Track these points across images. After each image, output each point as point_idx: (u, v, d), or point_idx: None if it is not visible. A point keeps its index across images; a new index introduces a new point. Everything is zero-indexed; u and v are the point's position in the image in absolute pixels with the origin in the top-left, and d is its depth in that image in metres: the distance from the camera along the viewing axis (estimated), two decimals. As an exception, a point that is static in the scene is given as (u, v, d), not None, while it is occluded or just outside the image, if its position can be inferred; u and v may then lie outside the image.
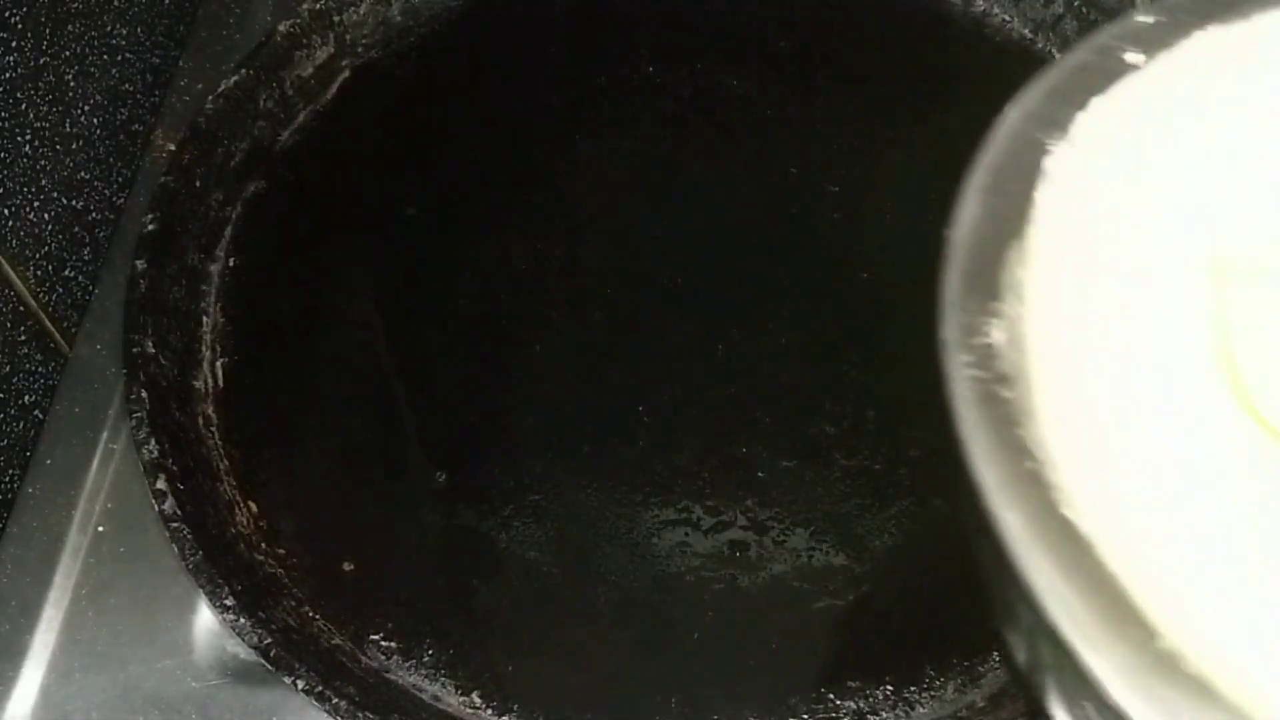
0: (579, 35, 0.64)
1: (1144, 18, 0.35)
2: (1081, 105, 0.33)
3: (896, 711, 0.44)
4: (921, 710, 0.45)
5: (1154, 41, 0.35)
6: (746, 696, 0.45)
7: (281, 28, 0.60)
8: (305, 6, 0.60)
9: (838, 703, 0.45)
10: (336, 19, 0.62)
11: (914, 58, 0.62)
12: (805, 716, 0.44)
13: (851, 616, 0.46)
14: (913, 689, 0.45)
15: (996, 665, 0.45)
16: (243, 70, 0.58)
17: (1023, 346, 0.29)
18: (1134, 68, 0.34)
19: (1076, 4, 0.59)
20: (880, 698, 0.45)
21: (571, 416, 0.52)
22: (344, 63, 0.62)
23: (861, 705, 0.45)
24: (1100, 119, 0.33)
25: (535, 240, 0.57)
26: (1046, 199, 0.31)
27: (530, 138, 0.60)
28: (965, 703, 0.44)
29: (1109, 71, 0.34)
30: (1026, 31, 0.61)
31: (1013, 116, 0.33)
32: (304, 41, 0.61)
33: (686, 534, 0.49)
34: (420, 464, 0.51)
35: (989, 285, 0.30)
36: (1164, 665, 0.24)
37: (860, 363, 0.53)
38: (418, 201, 0.58)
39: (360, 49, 0.63)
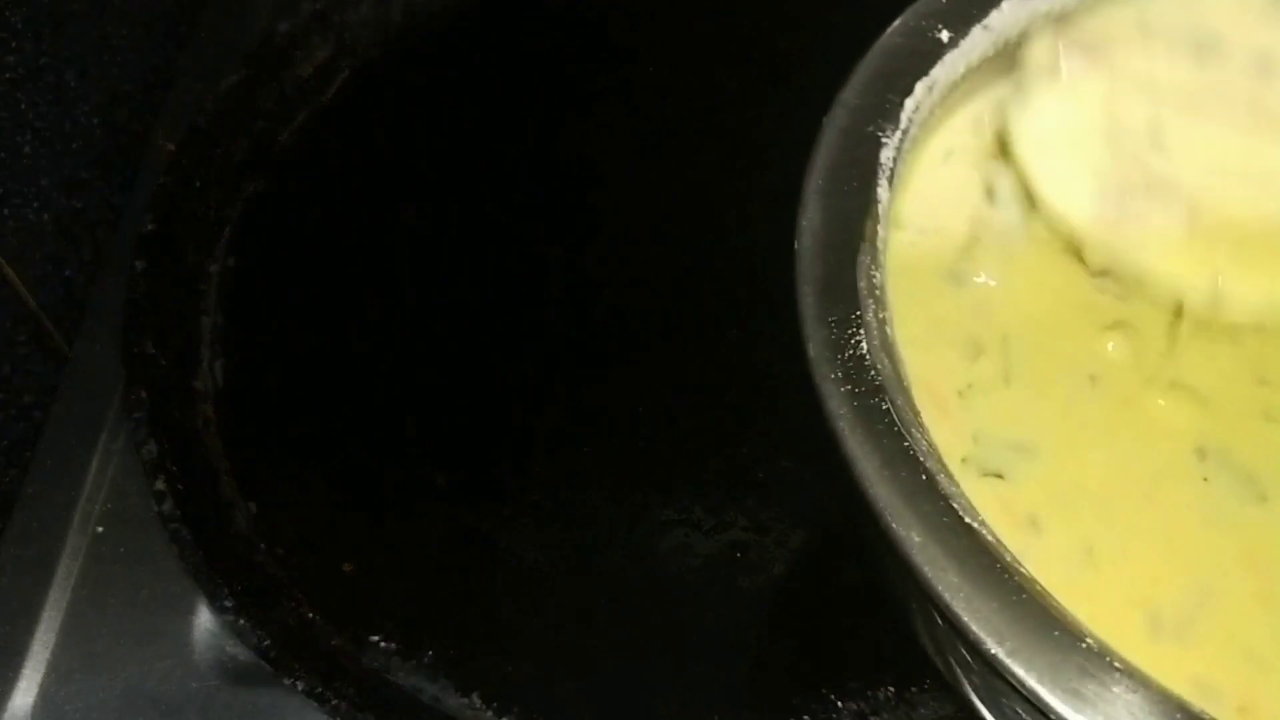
0: (579, 35, 0.64)
1: None
2: (908, 91, 0.32)
3: (898, 712, 0.44)
4: (922, 710, 0.44)
5: (961, 17, 0.34)
6: (747, 697, 0.45)
7: (281, 28, 0.60)
8: (305, 6, 0.61)
9: (838, 703, 0.45)
10: (336, 19, 0.62)
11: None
12: (806, 717, 0.44)
13: (852, 617, 0.46)
14: (913, 689, 0.45)
15: (997, 665, 0.45)
16: (243, 70, 0.58)
17: (893, 352, 0.28)
18: (948, 45, 0.33)
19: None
20: (881, 698, 0.45)
21: (571, 416, 0.52)
22: (344, 63, 0.62)
23: (862, 705, 0.45)
24: (924, 102, 0.32)
25: (535, 240, 0.57)
26: (888, 194, 0.30)
27: (530, 138, 0.60)
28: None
29: (925, 53, 0.33)
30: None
31: (840, 113, 0.32)
32: (304, 41, 0.61)
33: (687, 534, 0.49)
34: (420, 464, 0.51)
35: (847, 294, 0.28)
36: (1090, 664, 0.24)
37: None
38: (417, 201, 0.58)
39: (360, 49, 0.63)
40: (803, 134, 0.59)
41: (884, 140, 0.31)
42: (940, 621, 0.25)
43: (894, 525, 0.25)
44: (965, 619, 0.24)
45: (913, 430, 0.26)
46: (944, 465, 0.26)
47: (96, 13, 0.57)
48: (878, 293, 0.28)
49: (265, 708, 0.45)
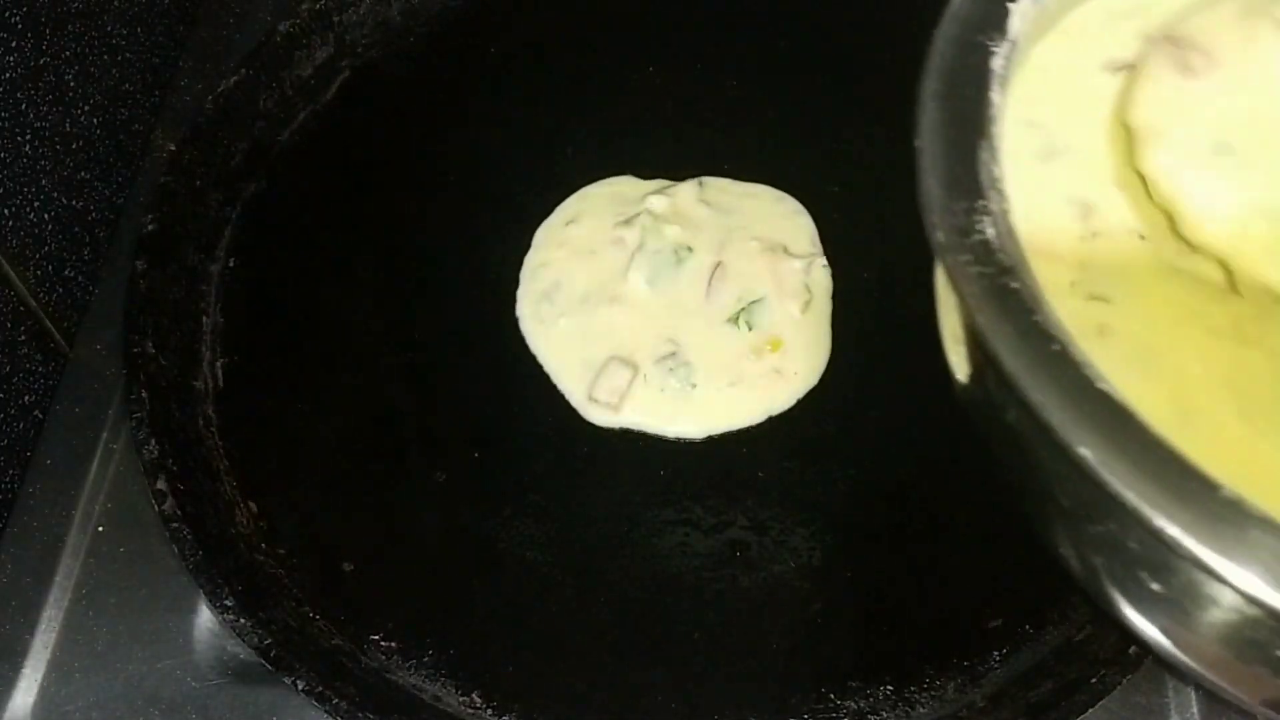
0: (579, 35, 0.64)
1: None
2: None
3: (897, 711, 0.44)
4: (922, 710, 0.45)
5: None
6: (747, 696, 0.45)
7: (281, 28, 0.60)
8: (305, 6, 0.60)
9: (838, 702, 0.45)
10: (336, 19, 0.62)
11: (914, 58, 0.62)
12: (806, 716, 0.44)
13: (851, 616, 0.46)
14: (913, 689, 0.45)
15: (996, 665, 0.45)
16: (243, 70, 0.58)
17: (1015, 237, 0.29)
18: None
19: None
20: (880, 697, 0.45)
21: (571, 416, 0.52)
22: (344, 63, 0.62)
23: (862, 705, 0.45)
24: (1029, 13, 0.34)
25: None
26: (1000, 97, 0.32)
27: (530, 138, 0.60)
28: (965, 702, 0.44)
29: None
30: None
31: (951, 24, 0.34)
32: (304, 42, 0.61)
33: (687, 534, 0.49)
34: (420, 464, 0.51)
35: (970, 184, 0.30)
36: (1230, 513, 0.25)
37: (862, 363, 0.53)
38: (417, 201, 0.58)
39: (360, 49, 0.63)
40: (804, 134, 0.59)
41: (993, 50, 0.33)
42: (1080, 484, 0.27)
43: (1032, 393, 0.27)
44: (1104, 475, 0.26)
45: (1041, 305, 0.28)
46: (1072, 337, 0.28)
47: (96, 13, 0.57)
48: (997, 184, 0.30)
49: (265, 707, 0.45)
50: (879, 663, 0.45)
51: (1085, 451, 0.26)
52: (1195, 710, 0.45)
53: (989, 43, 0.33)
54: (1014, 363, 0.27)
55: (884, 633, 0.46)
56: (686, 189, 0.57)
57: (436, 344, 0.54)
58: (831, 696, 0.45)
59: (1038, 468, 0.31)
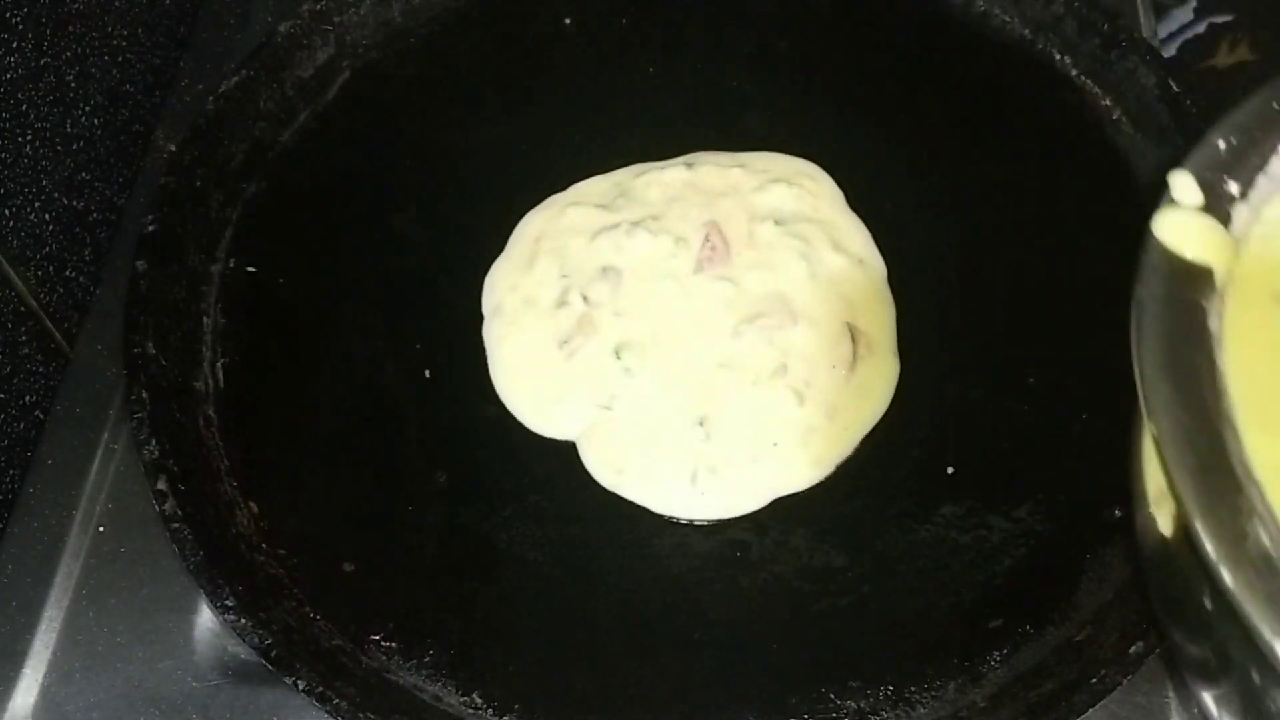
0: (579, 35, 0.64)
1: None
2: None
3: (897, 711, 0.44)
4: (922, 710, 0.44)
5: (1244, 166, 0.33)
6: (747, 696, 0.45)
7: (282, 28, 0.60)
8: (305, 7, 0.61)
9: (838, 702, 0.45)
10: (336, 19, 0.62)
11: (913, 58, 0.62)
12: (806, 716, 0.44)
13: (852, 616, 0.46)
14: (913, 689, 0.45)
15: (997, 665, 0.45)
16: (243, 71, 0.58)
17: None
18: (1239, 198, 0.32)
19: (1076, 4, 0.59)
20: (881, 697, 0.45)
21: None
22: (344, 63, 0.62)
23: (862, 705, 0.45)
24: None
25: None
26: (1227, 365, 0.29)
27: (530, 138, 0.60)
28: (966, 703, 0.44)
29: (1219, 211, 0.32)
30: (1026, 32, 0.61)
31: (1154, 280, 0.31)
32: (304, 42, 0.61)
33: (687, 534, 0.49)
34: (420, 464, 0.51)
35: (1228, 480, 0.27)
36: None
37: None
38: (417, 201, 0.58)
39: (360, 49, 0.63)
40: (805, 134, 0.59)
41: (1207, 307, 0.31)
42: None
43: None
44: None
45: None
46: None
47: (97, 13, 0.57)
48: (1252, 474, 0.28)
49: (266, 707, 0.45)
50: (879, 663, 0.45)
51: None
52: (1196, 710, 0.44)
53: (1203, 300, 0.31)
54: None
55: (884, 633, 0.46)
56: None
57: (437, 344, 0.54)
58: (831, 696, 0.45)
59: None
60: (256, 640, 0.43)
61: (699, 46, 0.63)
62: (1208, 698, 0.32)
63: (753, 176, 0.57)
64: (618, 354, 0.51)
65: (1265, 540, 0.26)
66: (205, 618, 0.47)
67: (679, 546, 0.48)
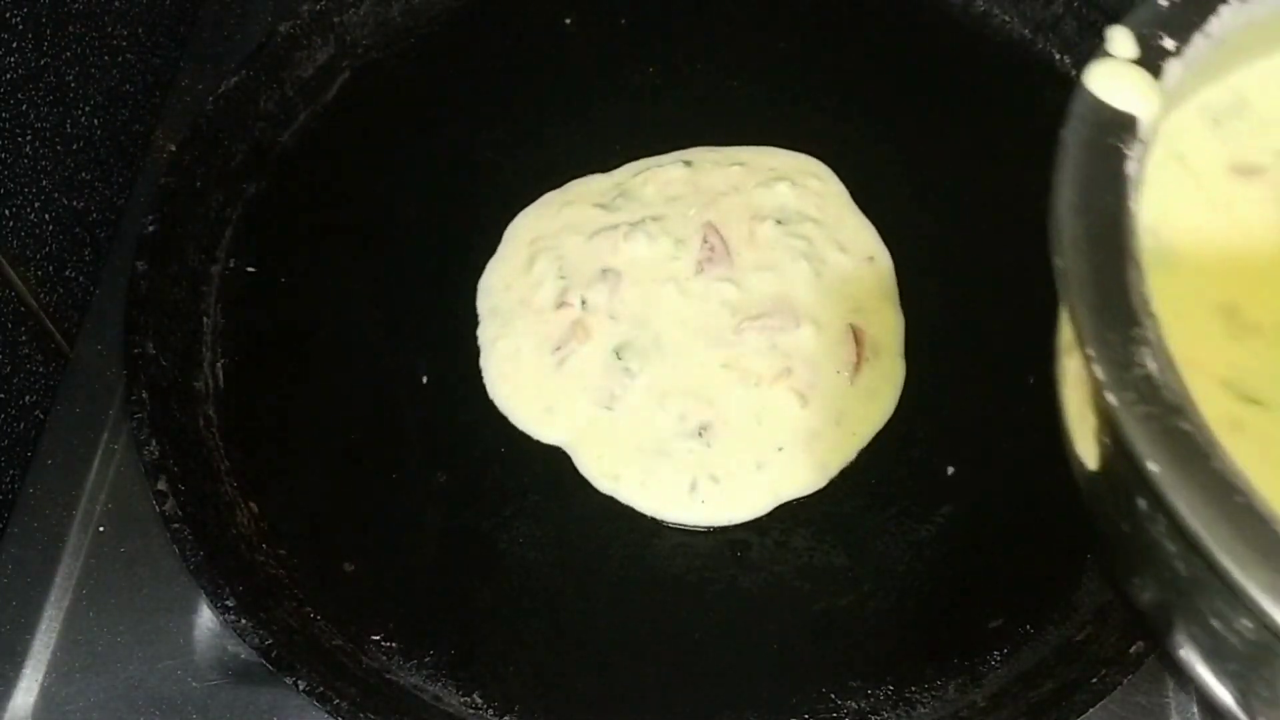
0: (579, 35, 0.64)
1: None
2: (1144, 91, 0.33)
3: (898, 711, 0.44)
4: (922, 710, 0.45)
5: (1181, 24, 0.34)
6: (747, 696, 0.45)
7: (281, 28, 0.60)
8: (305, 7, 0.61)
9: (839, 702, 0.45)
10: (336, 19, 0.62)
11: (914, 57, 0.62)
12: (806, 716, 0.44)
13: (852, 616, 0.46)
14: (914, 689, 0.45)
15: (997, 665, 0.45)
16: (243, 71, 0.58)
17: (1175, 367, 0.27)
18: (1173, 53, 0.33)
19: (1076, 4, 0.59)
20: (881, 697, 0.45)
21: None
22: (344, 63, 0.62)
23: (863, 705, 0.45)
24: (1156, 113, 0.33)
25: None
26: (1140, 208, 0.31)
27: (530, 138, 0.60)
28: (966, 702, 0.44)
29: (1151, 64, 0.33)
30: (1026, 31, 0.61)
31: (1079, 125, 0.32)
32: (304, 42, 0.61)
33: (687, 535, 0.49)
34: (420, 464, 0.51)
35: (1122, 311, 0.28)
36: None
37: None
38: (417, 201, 0.58)
39: (360, 49, 0.63)
40: (805, 133, 0.59)
41: (1128, 154, 0.32)
42: (1217, 591, 0.26)
43: (1221, 558, 0.25)
44: (1267, 610, 0.24)
45: (1217, 450, 0.26)
46: (1255, 490, 0.26)
47: (96, 13, 0.57)
48: (1149, 308, 0.28)
49: (266, 707, 0.45)
50: (879, 663, 0.45)
51: (1259, 598, 0.25)
52: (1195, 710, 0.44)
53: (1122, 146, 0.31)
54: (1194, 518, 0.26)
55: (884, 633, 0.46)
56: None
57: (437, 343, 0.54)
58: (831, 696, 0.45)
59: (1163, 562, 0.30)
60: (256, 640, 0.43)
61: (699, 46, 0.63)
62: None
63: (754, 174, 0.57)
64: (618, 354, 0.51)
65: (1152, 367, 0.27)
66: (205, 618, 0.47)
67: (679, 547, 0.48)
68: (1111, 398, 0.27)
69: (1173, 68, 0.33)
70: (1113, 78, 0.33)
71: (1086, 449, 0.34)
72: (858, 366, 0.50)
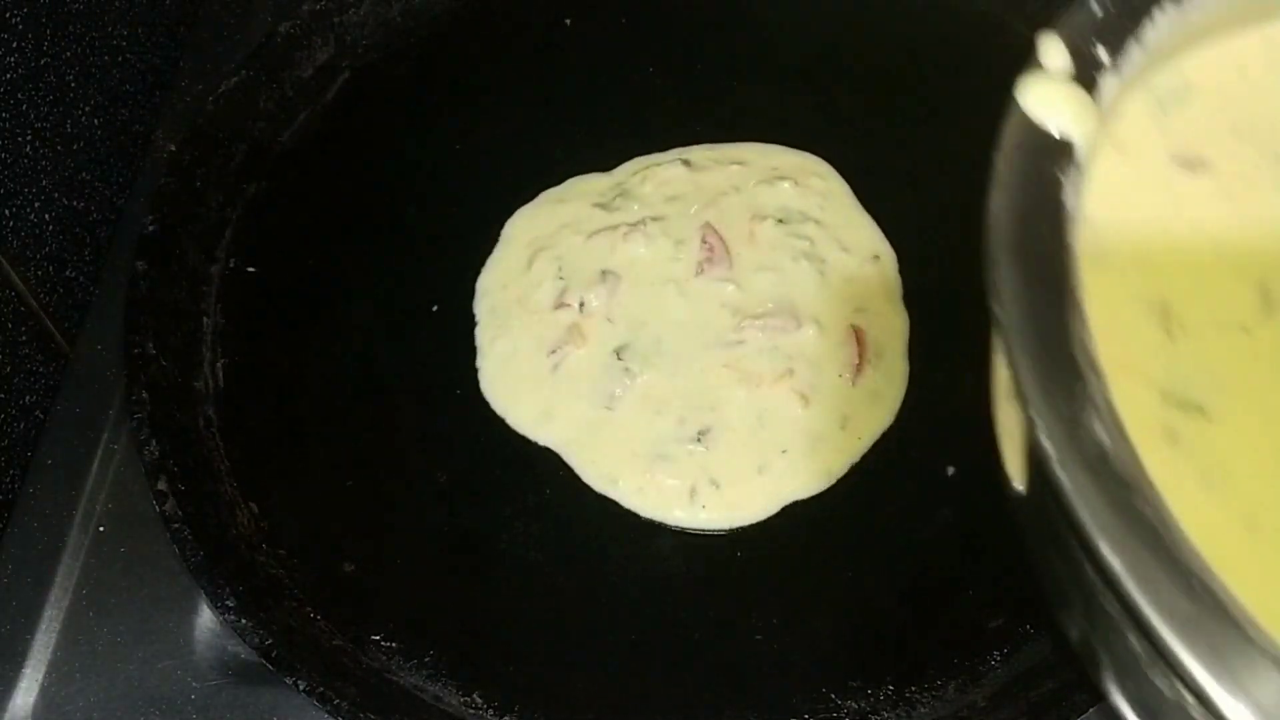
0: (579, 36, 0.64)
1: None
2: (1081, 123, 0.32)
3: (898, 711, 0.44)
4: (922, 710, 0.44)
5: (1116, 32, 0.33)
6: (748, 696, 0.45)
7: (281, 29, 0.60)
8: (305, 7, 0.61)
9: (838, 702, 0.45)
10: (337, 19, 0.62)
11: (918, 55, 0.62)
12: (806, 716, 0.44)
13: (852, 616, 0.46)
14: (913, 689, 0.45)
15: (997, 665, 0.45)
16: (243, 71, 0.58)
17: (1123, 429, 0.26)
18: (1109, 67, 0.32)
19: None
20: (881, 697, 0.45)
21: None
22: (344, 63, 0.62)
23: (862, 705, 0.45)
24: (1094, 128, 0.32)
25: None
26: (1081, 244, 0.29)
27: (530, 138, 0.60)
28: (966, 702, 0.44)
29: (1085, 80, 0.32)
30: (1029, 31, 0.61)
31: (1014, 153, 0.31)
32: (304, 42, 0.61)
33: (687, 534, 0.49)
34: (420, 464, 0.51)
35: (1065, 365, 0.27)
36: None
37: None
38: (418, 201, 0.58)
39: (360, 49, 0.63)
40: (805, 133, 0.59)
41: (1064, 181, 0.30)
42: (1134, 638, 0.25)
43: (1146, 608, 0.24)
44: (1180, 655, 0.24)
45: (1170, 528, 0.25)
46: (1205, 561, 0.25)
47: (97, 13, 0.57)
48: (1094, 361, 0.27)
49: (266, 707, 0.45)
50: (879, 663, 0.45)
51: (1181, 653, 0.24)
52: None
53: (1059, 173, 0.30)
54: (1136, 586, 0.24)
55: (884, 633, 0.46)
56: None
57: (438, 344, 0.54)
58: (832, 696, 0.45)
59: (1090, 596, 0.29)
60: (257, 640, 0.43)
61: (699, 46, 0.63)
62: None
63: (755, 173, 0.57)
64: (618, 355, 0.51)
65: (1102, 436, 0.26)
66: (205, 618, 0.47)
67: (679, 547, 0.48)
68: (1060, 473, 0.26)
69: (1108, 82, 0.32)
70: (1048, 99, 0.31)
71: (1017, 474, 0.33)
72: (860, 368, 0.50)
